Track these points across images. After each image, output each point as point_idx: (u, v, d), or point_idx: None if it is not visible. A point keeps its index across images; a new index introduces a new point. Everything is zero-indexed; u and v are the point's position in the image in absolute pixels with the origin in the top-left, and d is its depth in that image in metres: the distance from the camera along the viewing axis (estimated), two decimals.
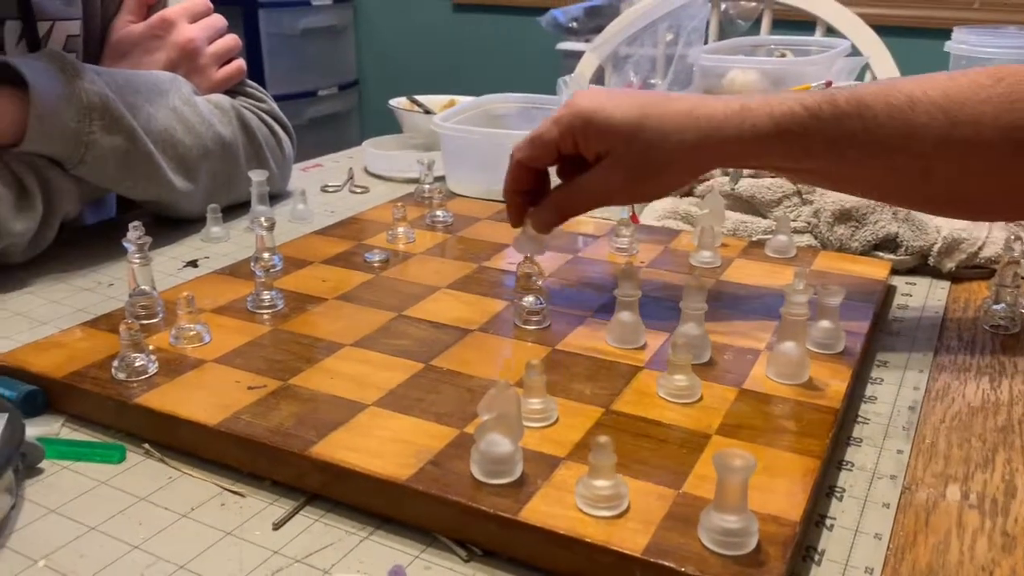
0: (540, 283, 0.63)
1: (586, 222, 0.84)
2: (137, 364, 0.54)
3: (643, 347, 0.58)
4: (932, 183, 0.59)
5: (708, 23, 1.54)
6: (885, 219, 0.76)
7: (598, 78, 1.52)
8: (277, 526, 0.44)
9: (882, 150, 0.57)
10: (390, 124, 1.23)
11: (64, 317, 0.66)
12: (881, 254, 0.76)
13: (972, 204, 0.62)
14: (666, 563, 0.38)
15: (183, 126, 0.82)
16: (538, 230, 0.66)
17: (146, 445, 0.50)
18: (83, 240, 0.83)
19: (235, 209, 0.90)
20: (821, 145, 0.58)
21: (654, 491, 0.43)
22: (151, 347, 0.56)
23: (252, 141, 0.91)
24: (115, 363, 0.54)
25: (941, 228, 0.75)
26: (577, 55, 1.71)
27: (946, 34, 1.18)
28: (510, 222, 0.67)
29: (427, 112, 1.23)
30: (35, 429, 0.51)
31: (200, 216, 0.85)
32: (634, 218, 0.84)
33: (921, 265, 0.76)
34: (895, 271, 0.75)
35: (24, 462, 0.47)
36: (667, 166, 0.60)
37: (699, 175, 0.64)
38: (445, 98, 1.26)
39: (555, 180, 0.66)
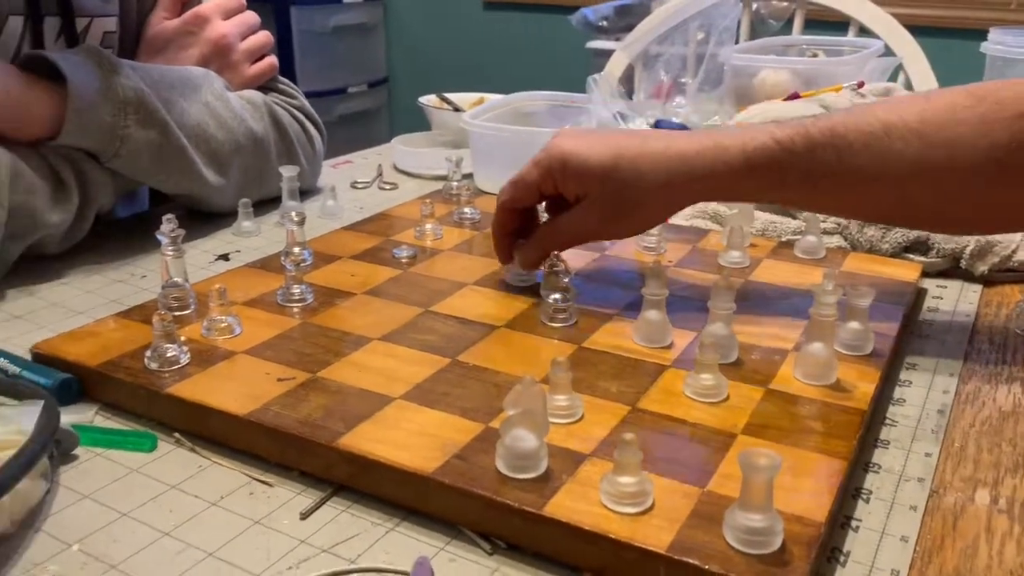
0: (567, 281, 0.63)
1: None
2: (169, 354, 0.54)
3: (670, 346, 0.58)
4: (908, 208, 0.60)
5: (739, 22, 1.53)
6: None
7: (628, 76, 1.52)
8: (304, 516, 0.45)
9: (857, 180, 0.57)
10: (419, 121, 1.23)
11: (98, 307, 0.68)
12: (912, 256, 0.75)
13: (950, 224, 0.62)
14: (690, 560, 0.38)
15: (216, 121, 0.83)
16: (524, 267, 0.67)
17: (177, 434, 0.51)
18: (116, 233, 0.84)
19: (266, 204, 0.91)
20: (795, 177, 0.58)
21: (679, 489, 0.43)
22: (183, 338, 0.57)
23: (283, 137, 0.92)
24: (148, 353, 0.55)
25: None
26: (607, 53, 1.70)
27: (982, 35, 1.17)
28: (498, 259, 0.69)
29: (456, 110, 1.23)
30: (70, 416, 0.52)
31: (231, 210, 0.86)
32: None
33: (953, 268, 0.75)
34: (927, 274, 0.74)
35: (59, 448, 0.48)
36: (641, 205, 0.62)
37: (675, 211, 0.66)
38: (475, 96, 1.26)
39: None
